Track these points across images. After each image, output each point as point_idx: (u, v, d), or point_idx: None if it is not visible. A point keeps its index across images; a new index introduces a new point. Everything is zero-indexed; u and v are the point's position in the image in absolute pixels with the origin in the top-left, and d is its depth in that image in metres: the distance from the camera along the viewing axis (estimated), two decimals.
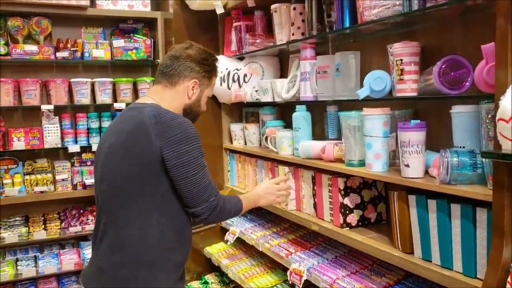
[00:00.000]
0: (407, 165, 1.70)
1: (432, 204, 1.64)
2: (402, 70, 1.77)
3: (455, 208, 1.55)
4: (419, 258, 1.72)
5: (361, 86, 2.09)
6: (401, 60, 1.77)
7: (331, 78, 2.23)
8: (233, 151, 3.40)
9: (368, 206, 2.18)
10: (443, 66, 1.62)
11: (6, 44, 3.35)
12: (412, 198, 1.72)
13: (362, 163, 2.01)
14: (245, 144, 3.25)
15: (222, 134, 3.50)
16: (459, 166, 1.53)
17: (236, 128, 3.31)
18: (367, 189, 2.17)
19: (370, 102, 2.00)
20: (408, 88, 1.77)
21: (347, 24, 2.09)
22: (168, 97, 1.93)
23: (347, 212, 2.13)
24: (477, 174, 1.52)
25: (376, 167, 1.88)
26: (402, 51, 1.77)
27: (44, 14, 3.42)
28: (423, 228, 1.69)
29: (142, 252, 1.76)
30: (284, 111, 3.09)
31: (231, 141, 3.44)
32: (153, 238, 1.76)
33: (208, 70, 1.99)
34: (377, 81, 1.86)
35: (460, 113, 1.64)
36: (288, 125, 2.84)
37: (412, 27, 2.01)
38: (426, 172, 1.73)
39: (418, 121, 1.70)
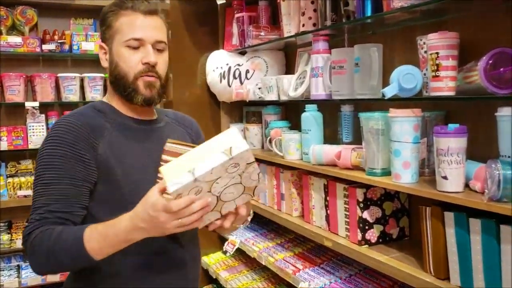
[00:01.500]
0: (445, 177, 1.44)
1: (475, 224, 1.38)
2: (438, 65, 1.51)
3: (506, 231, 1.29)
4: (457, 286, 1.46)
5: (384, 83, 1.84)
6: (437, 53, 1.51)
7: (348, 74, 1.97)
8: None
9: (390, 220, 1.92)
10: (490, 62, 1.37)
11: None
12: (449, 216, 1.46)
13: (385, 172, 1.76)
14: None
15: None
16: None
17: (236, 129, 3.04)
18: (389, 201, 1.91)
19: (394, 102, 1.74)
20: (445, 86, 1.51)
21: (369, 13, 1.83)
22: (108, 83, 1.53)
23: (366, 227, 1.87)
24: None
25: (405, 178, 1.62)
26: (438, 43, 1.51)
27: (30, 3, 3.16)
28: (462, 251, 1.43)
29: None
30: (289, 111, 2.83)
31: None
32: None
33: (103, 20, 1.45)
34: (407, 77, 1.60)
35: (509, 117, 1.38)
36: (294, 126, 2.59)
37: (444, 16, 1.76)
38: (466, 186, 1.47)
39: (458, 125, 1.44)
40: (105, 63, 1.48)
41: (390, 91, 1.63)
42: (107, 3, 3.33)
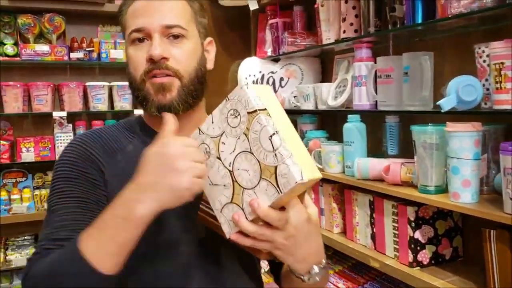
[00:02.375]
0: None
1: None
2: (503, 76, 1.39)
3: None
4: None
5: (436, 94, 1.72)
6: (502, 63, 1.39)
7: (396, 83, 1.85)
8: None
9: (443, 240, 1.79)
10: None
11: (16, 44, 3.04)
12: None
13: (439, 190, 1.64)
14: None
15: None
16: None
17: None
18: (442, 220, 1.79)
19: (445, 114, 1.60)
20: (510, 99, 1.39)
21: (419, 20, 1.71)
22: None
23: (418, 248, 1.74)
24: None
25: (465, 197, 1.49)
26: (504, 52, 1.39)
27: (58, 10, 3.09)
28: None
29: None
30: (325, 120, 2.72)
31: None
32: None
33: (118, 16, 1.16)
34: (467, 89, 1.48)
35: None
36: (331, 136, 2.47)
37: (503, 22, 1.63)
38: None
39: None
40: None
41: (447, 104, 1.51)
42: None
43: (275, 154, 0.84)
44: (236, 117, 0.89)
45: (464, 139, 1.48)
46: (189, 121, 1.11)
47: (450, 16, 1.52)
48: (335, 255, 2.49)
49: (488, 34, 1.67)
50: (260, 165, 0.86)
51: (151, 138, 0.99)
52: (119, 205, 0.89)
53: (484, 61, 1.53)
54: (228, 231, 0.91)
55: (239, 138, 0.89)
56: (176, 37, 1.07)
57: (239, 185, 0.89)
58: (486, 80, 1.52)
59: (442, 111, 1.52)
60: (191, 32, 1.10)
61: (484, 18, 1.59)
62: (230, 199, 0.90)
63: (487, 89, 1.52)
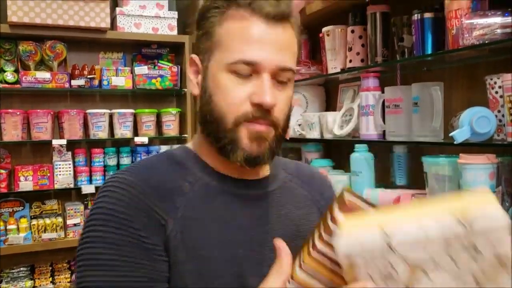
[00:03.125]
0: None
1: None
2: None
3: None
4: None
5: (446, 125, 1.70)
6: None
7: (406, 114, 1.83)
8: None
9: None
10: None
11: (16, 71, 3.01)
12: None
13: None
14: None
15: None
16: None
17: None
18: None
19: (456, 146, 1.58)
20: None
21: (429, 50, 1.70)
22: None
23: None
24: None
25: None
26: None
27: (59, 37, 3.07)
28: None
29: None
30: (330, 149, 2.68)
31: None
32: None
33: (201, 17, 0.94)
34: (481, 121, 1.45)
35: None
36: (337, 165, 2.44)
37: None
38: None
39: None
40: (195, 89, 0.97)
41: (461, 136, 1.48)
42: (137, 36, 3.25)
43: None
44: (469, 250, 0.62)
45: (479, 172, 1.45)
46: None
47: (462, 47, 1.50)
48: None
49: (498, 65, 1.65)
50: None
51: (213, 179, 0.91)
52: None
53: (497, 92, 1.51)
54: None
55: (459, 275, 0.62)
56: (282, 82, 0.91)
57: None
58: (499, 111, 1.50)
59: (455, 142, 1.49)
60: (295, 74, 0.95)
61: (495, 50, 1.58)
62: None
63: (500, 121, 1.49)
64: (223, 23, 0.90)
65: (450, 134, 1.52)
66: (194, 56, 0.97)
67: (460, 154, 1.51)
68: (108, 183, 0.89)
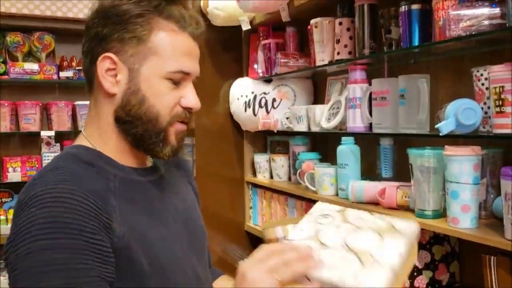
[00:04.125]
0: None
1: None
2: (503, 100, 1.37)
3: None
4: None
5: (432, 116, 1.71)
6: (502, 87, 1.37)
7: (392, 106, 1.84)
8: (256, 186, 2.99)
9: (440, 265, 1.76)
10: None
11: (4, 62, 3.02)
12: None
13: (437, 214, 1.61)
14: (271, 177, 2.85)
15: (244, 166, 3.10)
16: None
17: (261, 159, 2.91)
18: (439, 245, 1.76)
19: (442, 137, 1.59)
20: (511, 123, 1.37)
21: (416, 42, 1.70)
22: (92, 115, 1.07)
23: (415, 273, 1.71)
24: None
25: (464, 223, 1.47)
26: (503, 76, 1.37)
27: (48, 29, 3.07)
28: None
29: None
30: (317, 142, 2.69)
31: (254, 174, 3.03)
32: None
33: (129, 20, 0.99)
34: (467, 113, 1.46)
35: None
36: (324, 158, 2.45)
37: (500, 46, 1.62)
38: None
39: None
40: (113, 86, 1.00)
41: (446, 127, 1.49)
42: None
43: (384, 219, 0.96)
44: (326, 217, 0.97)
45: (464, 163, 1.46)
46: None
47: (448, 39, 1.51)
48: None
49: (484, 57, 1.66)
50: (375, 229, 0.92)
51: (125, 173, 1.01)
52: None
53: (483, 84, 1.51)
54: None
55: (338, 227, 0.94)
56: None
57: (364, 251, 0.88)
58: (485, 103, 1.50)
59: (441, 134, 1.50)
60: None
61: (482, 41, 1.58)
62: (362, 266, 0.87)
63: (486, 113, 1.50)
64: (156, 32, 0.99)
65: (436, 126, 1.53)
66: (112, 55, 0.99)
67: (445, 146, 1.52)
68: (46, 197, 0.87)
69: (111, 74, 1.00)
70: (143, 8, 0.99)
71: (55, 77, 3.04)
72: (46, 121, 3.15)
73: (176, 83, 1.02)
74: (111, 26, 0.99)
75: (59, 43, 3.18)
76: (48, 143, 3.08)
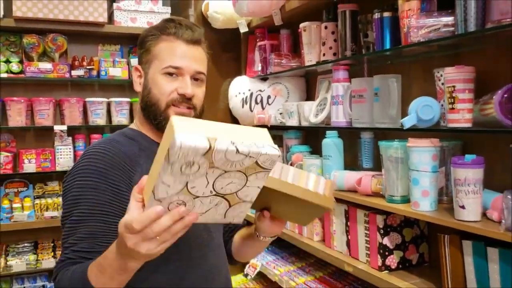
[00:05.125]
0: (462, 207, 1.49)
1: (493, 253, 1.43)
2: (454, 98, 1.57)
3: None
4: None
5: (403, 113, 1.90)
6: (454, 87, 1.57)
7: (368, 103, 2.03)
8: None
9: (410, 246, 1.96)
10: (505, 96, 1.42)
11: (21, 61, 3.21)
12: (467, 245, 1.51)
13: (405, 199, 1.81)
14: None
15: None
16: None
17: None
18: (409, 228, 1.96)
19: (411, 131, 1.79)
20: (461, 118, 1.57)
21: (387, 46, 1.90)
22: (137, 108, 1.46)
23: (387, 253, 1.91)
24: None
25: (424, 206, 1.67)
26: (455, 77, 1.57)
27: (60, 31, 3.28)
28: (481, 279, 1.47)
29: None
30: (309, 136, 2.89)
31: None
32: None
33: (141, 43, 1.40)
34: (425, 109, 1.66)
35: None
36: (314, 150, 2.65)
37: (462, 49, 1.81)
38: (483, 215, 1.52)
39: (474, 156, 1.49)
40: (138, 87, 1.41)
41: (408, 122, 1.69)
42: (132, 29, 3.43)
43: (250, 156, 0.90)
44: (192, 166, 0.88)
45: (423, 154, 1.66)
46: None
47: (410, 43, 1.71)
48: (317, 263, 2.65)
49: (449, 58, 1.86)
50: (241, 171, 0.92)
51: (155, 146, 1.13)
52: (111, 261, 1.03)
53: (442, 83, 1.71)
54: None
55: (207, 174, 0.90)
56: (198, 80, 1.38)
57: (231, 194, 0.96)
58: (444, 101, 1.70)
59: (404, 128, 1.70)
60: (205, 76, 1.41)
61: (443, 46, 1.78)
62: (229, 206, 0.99)
63: (445, 109, 1.69)
64: (158, 44, 1.36)
65: (400, 121, 1.73)
66: (137, 65, 1.41)
67: (409, 138, 1.72)
68: (89, 151, 1.29)
69: (138, 78, 1.41)
70: (152, 32, 1.38)
71: (67, 75, 3.24)
72: (59, 116, 3.34)
73: (173, 75, 1.34)
74: (139, 47, 1.41)
75: (71, 44, 3.37)
76: (60, 137, 3.28)
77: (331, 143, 2.24)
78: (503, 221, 1.37)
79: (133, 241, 0.92)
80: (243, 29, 2.96)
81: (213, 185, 0.93)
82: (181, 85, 1.33)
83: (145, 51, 1.38)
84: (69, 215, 1.21)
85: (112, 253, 1.03)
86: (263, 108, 2.93)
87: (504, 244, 1.39)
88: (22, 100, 3.16)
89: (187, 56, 1.34)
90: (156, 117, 1.35)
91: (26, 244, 3.26)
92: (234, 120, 3.21)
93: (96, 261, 1.08)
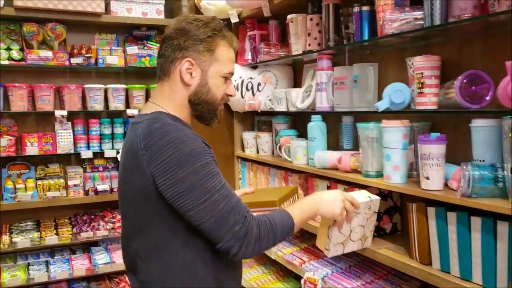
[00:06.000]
0: (427, 178, 1.72)
1: (452, 216, 1.65)
2: (422, 83, 1.79)
3: (476, 221, 1.56)
4: (438, 270, 1.73)
5: (379, 98, 2.11)
6: (422, 73, 1.79)
7: (348, 89, 2.25)
8: (245, 159, 3.42)
9: (384, 216, 2.19)
10: (464, 81, 1.64)
11: (21, 49, 3.37)
12: (431, 210, 1.73)
13: (379, 174, 2.03)
14: (258, 152, 3.27)
15: (234, 142, 3.52)
16: (480, 180, 1.55)
17: (248, 136, 3.33)
18: (383, 200, 2.18)
19: (387, 114, 2.01)
20: (428, 101, 1.79)
21: (366, 37, 2.11)
22: (167, 94, 1.56)
23: None
24: (498, 188, 1.54)
25: (395, 179, 1.89)
26: (423, 65, 1.79)
27: (59, 20, 3.44)
28: (442, 240, 1.70)
29: None
30: (297, 121, 3.11)
31: (243, 149, 3.45)
32: (181, 280, 1.47)
33: (204, 39, 1.51)
34: (397, 94, 1.88)
35: (480, 127, 1.66)
36: (301, 134, 2.86)
37: (431, 40, 2.03)
38: (445, 185, 1.74)
39: (438, 134, 1.72)
40: (190, 80, 1.52)
41: (382, 105, 1.91)
42: (128, 19, 3.57)
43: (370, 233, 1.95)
44: (369, 209, 1.83)
45: (395, 133, 1.88)
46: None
47: (385, 35, 1.92)
48: (302, 235, 2.88)
49: (420, 49, 2.08)
50: (363, 233, 1.90)
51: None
52: (314, 203, 1.64)
53: (413, 71, 1.92)
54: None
55: (363, 219, 1.83)
56: None
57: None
58: (414, 86, 1.91)
59: (378, 111, 1.92)
60: None
61: (414, 37, 1.99)
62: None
63: (414, 93, 1.91)
64: (218, 47, 1.55)
65: (374, 105, 1.95)
66: (191, 59, 1.53)
67: (382, 120, 1.93)
68: (190, 136, 1.44)
69: (189, 71, 1.53)
70: (211, 32, 1.53)
71: (66, 63, 3.40)
72: (59, 102, 3.52)
73: (226, 79, 1.59)
74: (190, 41, 1.52)
75: (70, 32, 3.53)
76: (60, 122, 3.45)
77: (316, 126, 2.45)
78: (460, 188, 1.59)
79: (342, 208, 1.66)
80: (234, 19, 3.15)
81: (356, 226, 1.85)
82: (229, 88, 1.61)
83: (208, 50, 1.53)
84: (211, 195, 1.38)
85: (318, 201, 1.64)
86: (253, 95, 3.13)
87: (461, 208, 1.61)
88: (24, 87, 3.32)
89: (234, 63, 1.63)
90: (209, 112, 1.59)
91: (29, 223, 3.43)
92: (226, 106, 3.42)
93: (295, 209, 1.59)
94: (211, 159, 1.44)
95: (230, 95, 1.62)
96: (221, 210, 1.38)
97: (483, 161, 1.65)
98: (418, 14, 1.83)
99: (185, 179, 1.36)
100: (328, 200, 1.65)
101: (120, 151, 1.66)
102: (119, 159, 1.80)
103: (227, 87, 1.59)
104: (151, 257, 1.48)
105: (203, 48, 1.51)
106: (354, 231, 1.83)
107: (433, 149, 1.70)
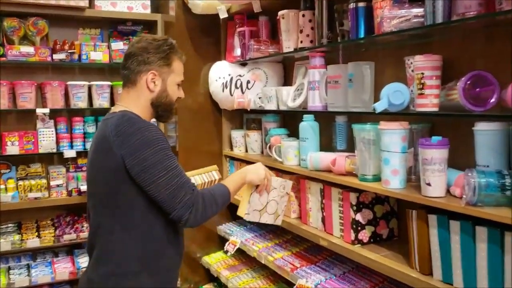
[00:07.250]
0: (429, 184, 1.63)
1: (455, 225, 1.57)
2: (423, 84, 1.70)
3: (481, 231, 1.48)
4: (439, 281, 1.65)
5: (375, 98, 2.03)
6: (423, 74, 1.70)
7: (342, 88, 2.16)
8: (233, 158, 3.32)
9: (380, 222, 2.11)
10: (468, 82, 1.56)
11: (2, 45, 3.24)
12: (432, 218, 1.65)
13: (376, 178, 1.95)
14: (246, 151, 3.18)
15: (222, 141, 3.42)
16: (486, 187, 1.46)
17: (237, 135, 3.23)
18: (380, 205, 2.10)
19: (383, 115, 1.92)
20: (429, 103, 1.70)
21: (362, 34, 2.02)
22: (133, 98, 1.89)
23: (359, 228, 2.05)
24: (505, 196, 1.45)
25: (394, 184, 1.81)
26: (423, 65, 1.70)
27: (41, 14, 3.31)
28: (444, 249, 1.62)
29: (126, 263, 1.80)
30: (287, 119, 3.02)
31: (231, 148, 3.36)
32: (136, 249, 1.80)
33: (164, 57, 1.89)
34: (396, 94, 1.79)
35: (484, 131, 1.58)
36: (292, 133, 2.77)
37: (430, 38, 1.95)
38: (447, 191, 1.66)
39: (440, 138, 1.63)
40: (154, 87, 1.88)
41: (380, 106, 1.82)
42: (113, 14, 3.46)
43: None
44: (284, 188, 2.20)
45: (393, 135, 1.79)
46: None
47: (383, 33, 1.83)
48: (294, 239, 2.79)
49: (419, 47, 1.99)
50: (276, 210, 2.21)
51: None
52: (239, 173, 2.06)
53: (413, 70, 1.83)
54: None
55: (277, 193, 2.19)
56: None
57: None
58: (414, 86, 1.83)
59: (376, 112, 1.83)
60: None
61: (414, 36, 1.90)
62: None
63: (414, 94, 1.82)
64: (175, 61, 1.93)
65: (372, 106, 1.86)
66: (155, 71, 1.87)
67: (380, 122, 1.85)
68: (152, 128, 1.78)
69: (153, 81, 1.87)
70: (169, 49, 1.90)
71: (49, 59, 3.28)
72: (41, 100, 3.39)
73: (178, 86, 1.96)
74: (153, 57, 1.87)
75: (52, 27, 3.41)
76: (43, 120, 3.32)
77: (308, 126, 2.36)
78: (464, 196, 1.51)
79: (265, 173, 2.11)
80: (223, 14, 3.04)
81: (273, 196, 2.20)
82: (180, 93, 1.98)
83: (167, 64, 1.89)
84: (167, 172, 1.72)
85: (243, 171, 2.08)
86: (242, 93, 3.03)
87: (465, 217, 1.53)
88: (4, 84, 3.20)
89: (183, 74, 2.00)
90: (168, 112, 1.97)
91: (10, 225, 3.32)
92: (215, 104, 3.31)
93: (226, 180, 1.99)
94: (169, 146, 1.80)
95: (181, 98, 1.99)
96: (174, 184, 1.73)
97: (487, 166, 1.57)
98: (418, 11, 1.74)
99: (148, 158, 1.71)
100: (253, 169, 2.10)
101: (91, 141, 1.93)
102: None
103: (179, 92, 1.97)
104: (113, 228, 1.79)
105: (163, 63, 1.88)
106: (269, 204, 2.16)
107: (435, 154, 1.61)
